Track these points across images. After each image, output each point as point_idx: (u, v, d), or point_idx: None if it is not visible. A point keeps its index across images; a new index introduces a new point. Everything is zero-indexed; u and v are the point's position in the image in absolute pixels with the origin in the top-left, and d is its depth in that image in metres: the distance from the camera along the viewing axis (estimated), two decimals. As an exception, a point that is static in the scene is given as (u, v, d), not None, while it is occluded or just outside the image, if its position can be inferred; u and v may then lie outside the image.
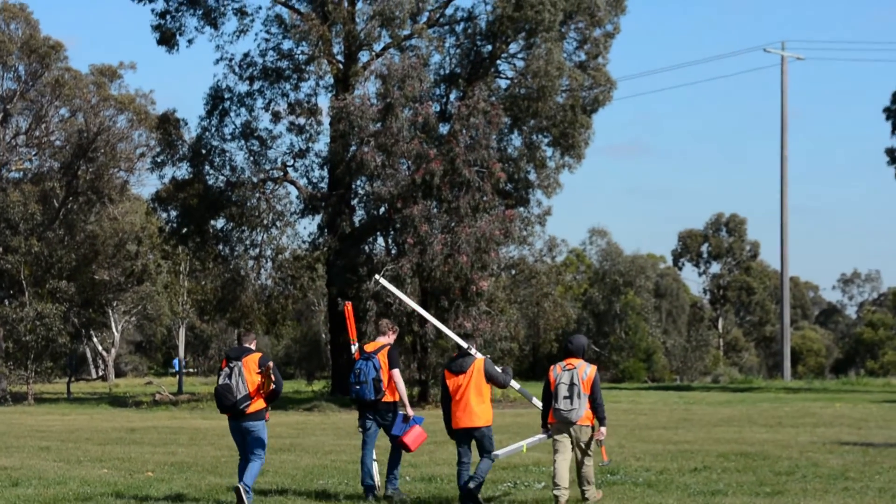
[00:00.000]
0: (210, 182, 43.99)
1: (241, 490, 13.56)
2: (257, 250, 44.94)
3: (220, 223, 44.79)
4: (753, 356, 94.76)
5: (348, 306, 15.65)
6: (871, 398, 40.99)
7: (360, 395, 14.37)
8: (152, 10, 44.59)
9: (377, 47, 42.51)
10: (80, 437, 25.40)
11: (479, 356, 14.07)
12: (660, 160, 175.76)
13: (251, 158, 44.02)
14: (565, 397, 13.48)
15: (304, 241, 45.04)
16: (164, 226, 46.56)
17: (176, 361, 75.41)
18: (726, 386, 56.11)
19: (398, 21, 40.02)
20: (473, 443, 13.98)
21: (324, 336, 62.68)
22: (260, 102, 43.89)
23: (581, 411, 13.44)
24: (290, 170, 44.44)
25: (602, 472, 16.18)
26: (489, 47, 41.80)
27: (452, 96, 41.54)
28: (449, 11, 43.27)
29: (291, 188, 44.72)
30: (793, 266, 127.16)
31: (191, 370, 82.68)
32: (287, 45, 43.10)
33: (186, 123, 45.53)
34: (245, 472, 13.81)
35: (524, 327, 41.53)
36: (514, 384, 14.60)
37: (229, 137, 44.01)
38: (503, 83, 42.85)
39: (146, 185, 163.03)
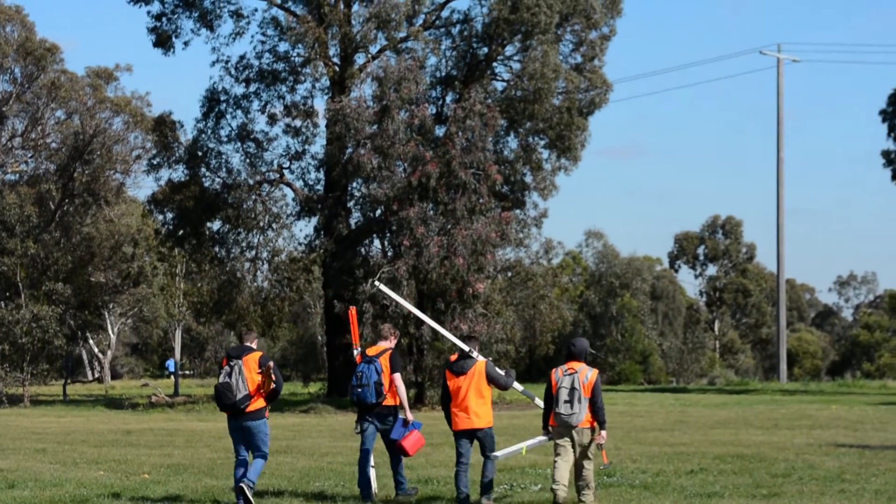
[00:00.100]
0: (206, 184, 43.98)
1: (245, 487, 13.55)
2: (253, 252, 44.94)
3: (216, 225, 44.78)
4: (749, 358, 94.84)
5: (352, 311, 15.72)
6: (867, 400, 41.02)
7: (362, 398, 14.41)
8: (148, 13, 44.60)
9: (373, 49, 42.58)
10: (76, 439, 25.38)
11: (481, 359, 14.11)
12: (656, 162, 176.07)
13: (247, 160, 44.02)
14: (566, 401, 13.53)
15: (300, 244, 45.09)
16: (161, 228, 46.53)
17: (170, 363, 75.42)
18: (722, 388, 56.14)
19: (394, 23, 40.01)
20: (474, 444, 14.04)
21: (320, 338, 62.63)
22: (256, 104, 43.91)
23: (581, 416, 13.49)
24: (286, 172, 44.45)
25: (598, 475, 16.17)
26: (485, 49, 41.82)
27: (448, 98, 41.57)
28: (445, 14, 43.35)
29: (287, 190, 44.77)
30: (789, 268, 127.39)
31: (187, 372, 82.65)
32: (283, 47, 43.15)
33: (182, 126, 45.59)
34: (248, 469, 13.79)
35: (520, 329, 41.41)
36: (517, 386, 14.64)
37: (225, 139, 44.04)
38: (499, 85, 42.93)
39: (142, 187, 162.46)
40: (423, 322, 20.36)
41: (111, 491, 15.50)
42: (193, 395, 47.52)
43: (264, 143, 44.15)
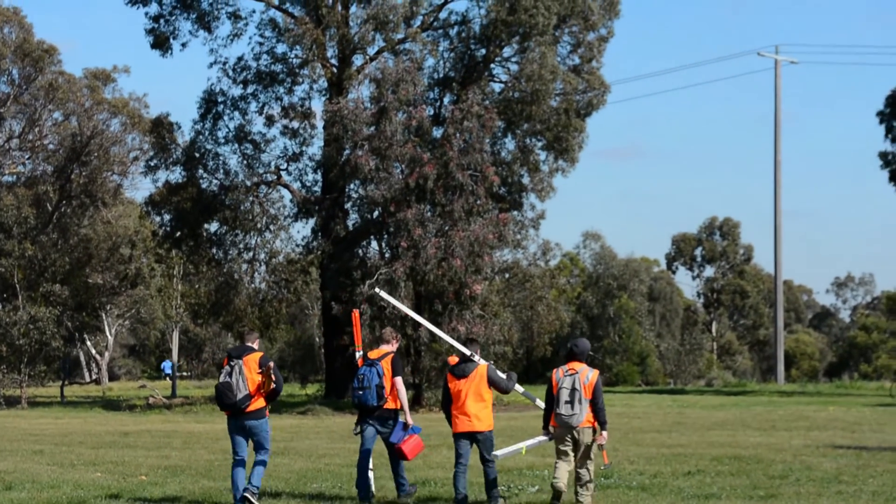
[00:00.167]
0: (204, 186, 43.96)
1: (250, 495, 13.58)
2: (251, 254, 44.90)
3: (213, 227, 44.74)
4: (747, 360, 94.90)
5: (355, 314, 15.75)
6: (864, 402, 41.07)
7: (363, 400, 14.45)
8: (146, 14, 44.57)
9: (371, 51, 42.57)
10: (73, 440, 25.37)
11: (483, 362, 14.12)
12: (653, 164, 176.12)
13: (245, 162, 43.99)
14: (566, 402, 13.56)
15: (297, 245, 45.08)
16: (158, 229, 46.50)
17: (167, 364, 75.39)
18: (720, 389, 56.17)
19: (392, 25, 40.02)
20: (473, 445, 14.06)
21: (318, 340, 62.64)
22: (254, 106, 43.89)
23: (582, 416, 13.53)
24: (283, 173, 44.42)
25: (596, 476, 16.18)
26: (483, 51, 41.82)
27: (446, 100, 41.55)
28: (443, 15, 43.33)
29: (285, 192, 44.72)
30: (786, 270, 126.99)
31: (184, 374, 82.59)
32: (281, 48, 43.14)
33: (180, 127, 45.51)
34: (251, 475, 13.82)
35: (518, 331, 41.46)
36: (519, 388, 14.67)
37: (223, 141, 44.00)
38: (497, 87, 42.89)
39: (140, 188, 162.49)
40: (419, 324, 20.37)
41: (108, 492, 15.50)
42: (191, 396, 47.49)
43: (262, 145, 44.14)
